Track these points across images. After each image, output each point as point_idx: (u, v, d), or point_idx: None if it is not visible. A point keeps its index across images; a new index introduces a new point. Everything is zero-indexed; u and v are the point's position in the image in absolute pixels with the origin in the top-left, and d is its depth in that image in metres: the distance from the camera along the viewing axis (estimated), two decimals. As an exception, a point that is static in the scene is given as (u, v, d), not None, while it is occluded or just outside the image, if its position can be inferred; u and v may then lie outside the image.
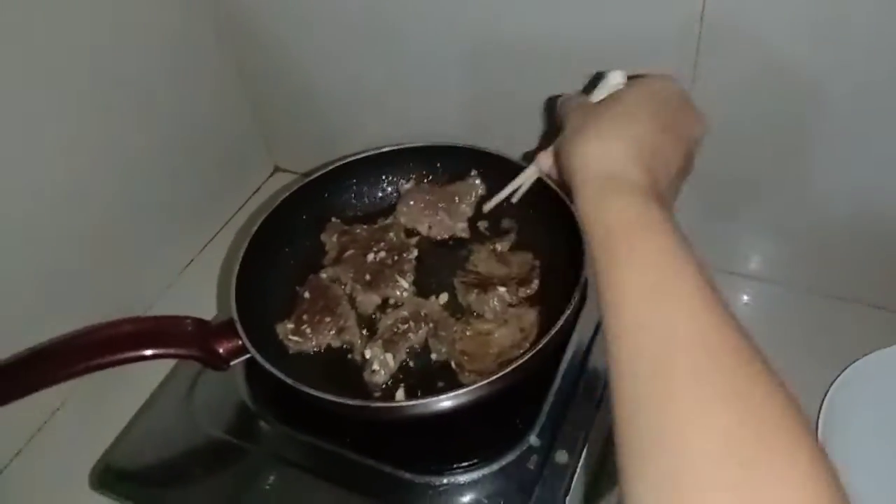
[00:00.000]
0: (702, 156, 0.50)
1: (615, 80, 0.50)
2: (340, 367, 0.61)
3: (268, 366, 0.54)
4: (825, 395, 0.62)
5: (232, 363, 0.57)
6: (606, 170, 0.43)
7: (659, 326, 0.35)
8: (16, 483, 0.67)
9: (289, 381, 0.53)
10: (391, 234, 0.68)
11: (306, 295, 0.64)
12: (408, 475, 0.54)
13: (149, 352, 0.55)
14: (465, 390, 0.52)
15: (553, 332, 0.53)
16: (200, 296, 0.78)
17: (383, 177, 0.74)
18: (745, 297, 0.74)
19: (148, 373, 0.64)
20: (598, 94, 0.51)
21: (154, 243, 0.80)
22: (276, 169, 0.98)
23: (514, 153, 0.69)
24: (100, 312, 0.62)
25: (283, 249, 0.68)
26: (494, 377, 0.51)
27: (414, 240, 0.70)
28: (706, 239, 0.72)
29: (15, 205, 0.64)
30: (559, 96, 0.55)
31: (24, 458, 0.68)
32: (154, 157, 0.77)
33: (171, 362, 0.64)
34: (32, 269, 0.66)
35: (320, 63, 0.80)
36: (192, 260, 0.86)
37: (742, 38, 0.58)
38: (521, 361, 0.52)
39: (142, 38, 0.72)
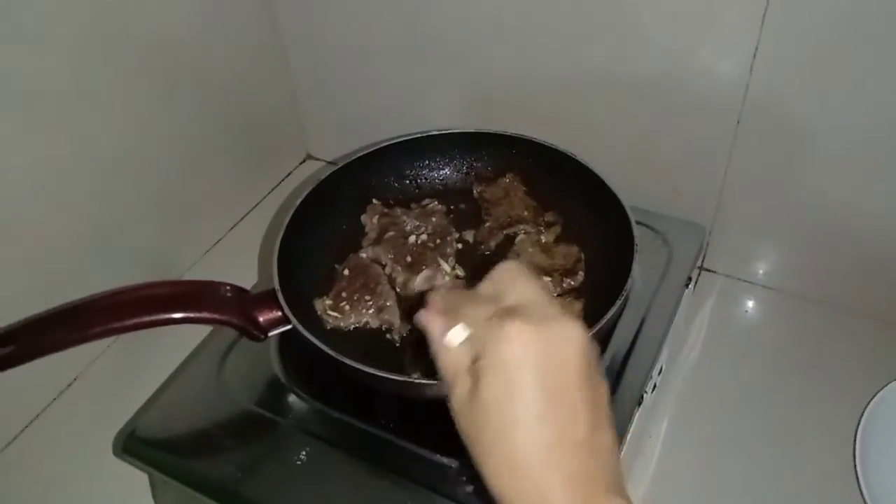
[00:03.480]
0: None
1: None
2: (377, 346, 0.60)
3: (311, 337, 0.53)
4: (860, 419, 0.61)
5: (271, 333, 0.56)
6: None
7: None
8: (36, 444, 0.65)
9: (332, 353, 0.51)
10: (434, 219, 0.67)
11: (345, 272, 0.63)
12: (445, 459, 0.53)
13: (188, 315, 0.53)
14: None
15: (595, 329, 0.52)
16: (227, 274, 0.77)
17: (426, 161, 0.73)
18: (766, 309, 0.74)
19: (179, 341, 0.63)
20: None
21: (183, 219, 0.80)
22: (308, 156, 0.99)
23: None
24: (124, 279, 0.61)
25: (324, 226, 0.67)
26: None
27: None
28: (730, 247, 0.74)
29: (58, 165, 0.63)
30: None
31: (46, 419, 0.67)
32: (195, 130, 0.78)
33: (204, 331, 0.63)
34: (73, 226, 0.66)
35: (360, 57, 0.83)
36: (219, 239, 0.86)
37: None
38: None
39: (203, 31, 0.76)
